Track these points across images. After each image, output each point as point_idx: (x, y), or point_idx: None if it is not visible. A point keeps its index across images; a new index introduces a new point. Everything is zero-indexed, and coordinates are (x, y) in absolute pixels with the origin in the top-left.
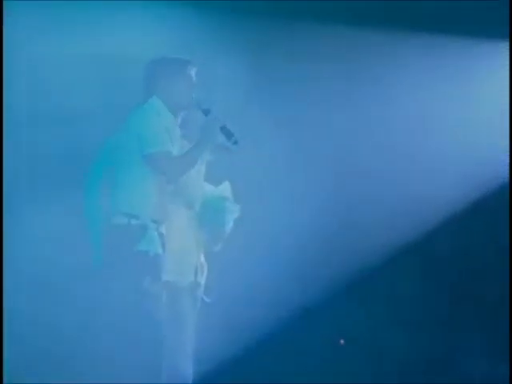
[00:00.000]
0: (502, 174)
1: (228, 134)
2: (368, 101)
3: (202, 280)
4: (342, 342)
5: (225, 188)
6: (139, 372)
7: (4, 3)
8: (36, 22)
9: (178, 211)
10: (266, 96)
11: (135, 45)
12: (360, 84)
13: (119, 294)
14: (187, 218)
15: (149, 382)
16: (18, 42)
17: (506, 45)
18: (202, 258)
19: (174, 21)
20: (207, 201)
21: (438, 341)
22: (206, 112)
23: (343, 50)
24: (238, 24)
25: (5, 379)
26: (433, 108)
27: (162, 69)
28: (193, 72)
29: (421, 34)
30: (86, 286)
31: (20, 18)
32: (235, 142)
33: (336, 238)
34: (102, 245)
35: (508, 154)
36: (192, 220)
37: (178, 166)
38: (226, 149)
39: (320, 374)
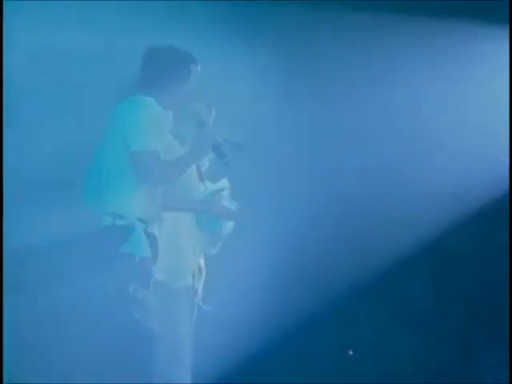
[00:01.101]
0: None
1: (220, 155)
2: (368, 97)
3: (200, 285)
4: (350, 352)
5: (222, 185)
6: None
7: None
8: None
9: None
10: (268, 93)
11: (136, 38)
12: (359, 81)
13: (103, 301)
14: (183, 217)
15: None
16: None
17: (506, 32)
18: (201, 262)
19: (179, 16)
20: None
21: (449, 346)
22: (201, 124)
23: (341, 42)
24: (244, 17)
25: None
26: (437, 104)
27: (163, 58)
28: (195, 69)
29: (420, 24)
30: (71, 291)
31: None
32: (226, 164)
33: (342, 240)
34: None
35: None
36: (188, 219)
37: (165, 171)
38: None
39: (326, 380)
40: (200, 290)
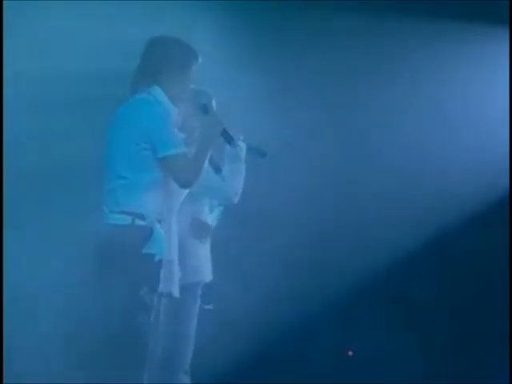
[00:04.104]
0: None
1: (228, 139)
2: (369, 97)
3: (201, 284)
4: (350, 353)
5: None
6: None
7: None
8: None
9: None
10: (268, 90)
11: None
12: (361, 81)
13: (114, 300)
14: (189, 217)
15: None
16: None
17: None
18: (204, 261)
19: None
20: None
21: (450, 346)
22: (205, 109)
23: (342, 43)
24: (246, 16)
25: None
26: (438, 103)
27: (168, 50)
28: (197, 63)
29: (423, 24)
30: (81, 292)
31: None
32: (235, 146)
33: (344, 240)
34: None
35: None
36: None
37: (192, 170)
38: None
39: (327, 380)
40: (201, 289)
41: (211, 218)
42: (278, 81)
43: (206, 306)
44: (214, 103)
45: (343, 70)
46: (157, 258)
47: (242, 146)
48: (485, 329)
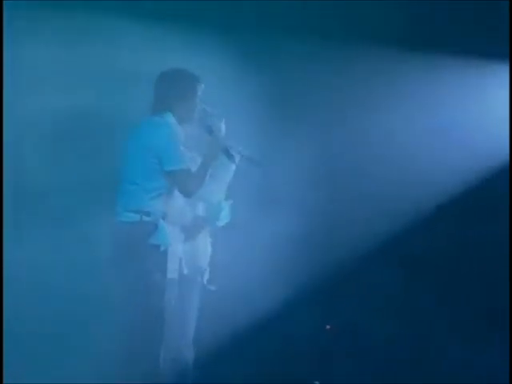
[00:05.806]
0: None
1: (229, 156)
2: (362, 112)
3: (207, 269)
4: (328, 327)
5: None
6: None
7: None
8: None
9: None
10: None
11: (140, 60)
12: (358, 96)
13: (127, 287)
14: (193, 212)
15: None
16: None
17: (506, 65)
18: (208, 247)
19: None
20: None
21: (423, 333)
22: (210, 131)
23: (347, 68)
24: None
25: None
26: (432, 117)
27: (175, 82)
28: (201, 88)
29: (422, 53)
30: (95, 281)
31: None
32: (234, 162)
33: (326, 233)
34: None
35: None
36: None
37: (194, 183)
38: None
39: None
40: (207, 272)
41: (223, 215)
42: (276, 92)
43: (210, 287)
44: (222, 124)
45: (344, 99)
46: (162, 248)
47: (237, 156)
48: (484, 325)
